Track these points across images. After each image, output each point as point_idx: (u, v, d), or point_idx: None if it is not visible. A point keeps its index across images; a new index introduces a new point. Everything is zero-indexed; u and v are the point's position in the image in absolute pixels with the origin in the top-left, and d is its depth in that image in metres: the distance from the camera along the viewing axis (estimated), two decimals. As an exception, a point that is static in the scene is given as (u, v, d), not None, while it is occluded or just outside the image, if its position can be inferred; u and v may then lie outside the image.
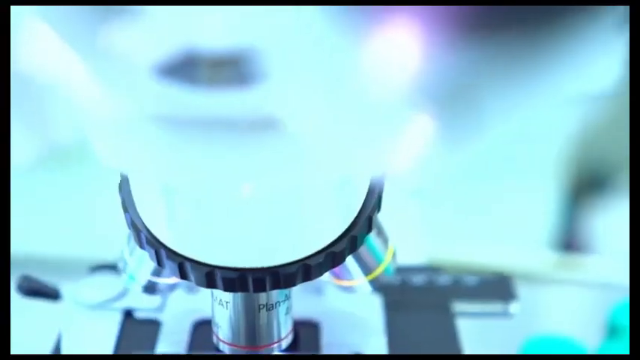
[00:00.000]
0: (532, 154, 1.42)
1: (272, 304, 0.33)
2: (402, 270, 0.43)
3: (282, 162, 0.25)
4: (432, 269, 0.44)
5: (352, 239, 0.31)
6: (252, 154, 0.25)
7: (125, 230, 0.36)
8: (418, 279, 0.43)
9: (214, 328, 0.34)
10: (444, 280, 0.43)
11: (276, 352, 0.34)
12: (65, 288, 0.41)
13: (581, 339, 0.51)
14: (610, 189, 1.26)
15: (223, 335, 0.34)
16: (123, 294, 0.41)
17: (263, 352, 0.34)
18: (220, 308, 0.33)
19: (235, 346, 0.34)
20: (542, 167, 1.40)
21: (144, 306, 0.40)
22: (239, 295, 0.32)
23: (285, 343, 0.34)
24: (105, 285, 0.41)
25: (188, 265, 0.30)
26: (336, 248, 0.30)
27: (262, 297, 0.33)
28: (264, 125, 0.23)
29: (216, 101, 0.23)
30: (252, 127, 0.23)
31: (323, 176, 0.26)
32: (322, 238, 0.30)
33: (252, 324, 0.33)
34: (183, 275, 0.30)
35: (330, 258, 0.30)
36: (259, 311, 0.33)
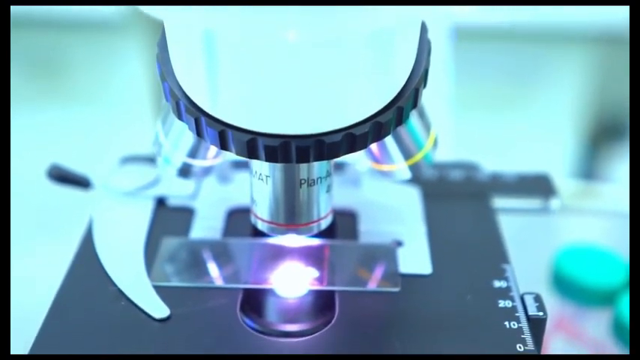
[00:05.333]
0: (554, 95, 1.41)
1: (313, 180, 0.32)
2: (439, 166, 0.42)
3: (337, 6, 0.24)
4: (470, 165, 0.43)
5: (398, 110, 0.29)
6: None
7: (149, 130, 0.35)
8: (456, 174, 0.42)
9: (252, 206, 0.33)
10: (482, 176, 0.42)
11: (315, 232, 0.33)
12: (96, 177, 0.40)
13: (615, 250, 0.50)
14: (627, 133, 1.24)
15: (262, 213, 0.33)
16: (155, 182, 0.40)
17: (302, 230, 0.33)
18: (260, 184, 0.32)
19: (274, 224, 0.33)
20: (563, 109, 1.39)
21: (177, 193, 0.40)
22: (280, 168, 0.31)
23: (324, 224, 0.34)
24: (136, 174, 0.40)
25: (229, 133, 0.29)
26: (382, 118, 0.29)
27: (303, 171, 0.32)
28: None
29: None
30: None
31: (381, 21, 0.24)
32: (368, 107, 0.29)
33: (292, 200, 0.32)
34: (224, 145, 0.29)
35: (375, 128, 0.29)
36: (300, 187, 0.32)
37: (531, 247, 0.51)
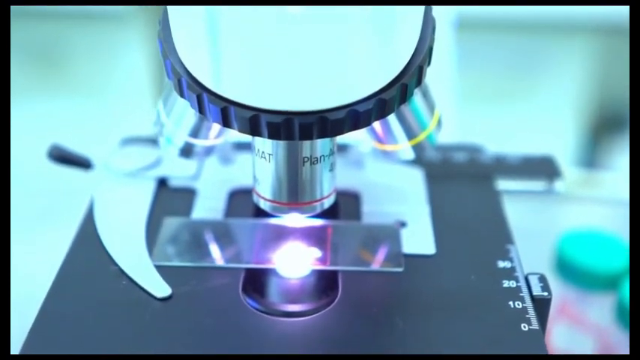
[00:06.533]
0: (555, 86, 1.40)
1: (316, 158, 0.32)
2: (443, 148, 0.42)
3: None
4: (474, 148, 0.42)
5: (402, 87, 0.29)
6: None
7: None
8: (460, 156, 0.41)
9: (255, 185, 0.33)
10: (486, 158, 0.42)
11: (318, 211, 0.33)
12: (97, 158, 0.40)
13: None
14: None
15: (264, 192, 0.33)
16: (156, 163, 0.40)
17: (305, 209, 0.33)
18: (262, 162, 0.32)
19: (277, 202, 0.33)
20: (564, 100, 1.38)
21: (178, 174, 0.39)
22: (282, 146, 0.31)
23: (327, 203, 0.33)
24: (137, 154, 0.40)
25: (232, 110, 0.28)
26: (386, 95, 0.29)
27: (306, 149, 0.31)
28: None
29: None
30: None
31: None
32: (372, 84, 0.28)
33: (295, 178, 0.32)
34: (226, 122, 0.29)
35: (379, 105, 0.29)
36: (303, 165, 0.32)
37: (533, 234, 0.51)
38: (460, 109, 0.65)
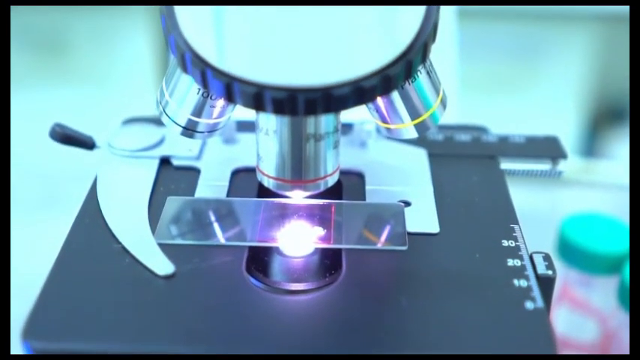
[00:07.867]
0: (556, 76, 1.40)
1: (320, 135, 0.31)
2: (447, 128, 0.41)
3: None
4: (478, 128, 0.42)
5: (407, 64, 0.29)
6: None
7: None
8: (464, 136, 0.41)
9: (258, 163, 0.33)
10: (490, 138, 0.41)
11: (322, 189, 0.33)
12: (100, 137, 0.40)
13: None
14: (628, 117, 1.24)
15: (268, 169, 0.33)
16: (159, 142, 0.40)
17: (309, 187, 0.33)
18: (266, 139, 0.32)
19: (280, 180, 0.32)
20: (565, 90, 1.38)
21: (181, 154, 0.39)
22: (286, 123, 0.31)
23: (331, 181, 0.33)
24: (140, 134, 0.40)
25: (236, 85, 0.28)
26: (391, 71, 0.28)
27: (311, 126, 0.31)
28: None
29: None
30: None
31: None
32: (377, 59, 0.28)
33: (298, 156, 0.32)
34: (230, 97, 0.29)
35: (384, 81, 0.28)
36: (307, 142, 0.31)
37: (535, 219, 0.51)
38: (461, 97, 0.65)
